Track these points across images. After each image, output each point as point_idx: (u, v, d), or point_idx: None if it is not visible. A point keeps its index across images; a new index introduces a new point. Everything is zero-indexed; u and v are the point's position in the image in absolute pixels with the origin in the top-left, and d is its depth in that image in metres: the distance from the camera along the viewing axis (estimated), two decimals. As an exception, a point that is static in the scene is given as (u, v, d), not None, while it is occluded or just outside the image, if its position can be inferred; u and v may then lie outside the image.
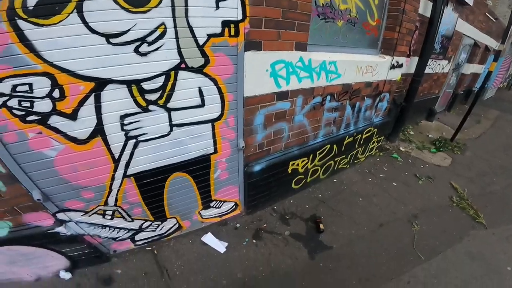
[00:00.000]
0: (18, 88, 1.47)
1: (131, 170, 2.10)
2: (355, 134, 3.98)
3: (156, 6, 1.62)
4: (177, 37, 1.77)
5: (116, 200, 2.20)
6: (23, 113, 1.54)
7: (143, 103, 1.87)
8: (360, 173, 4.54)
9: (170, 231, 2.80)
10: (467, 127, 6.86)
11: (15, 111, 1.51)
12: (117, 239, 2.50)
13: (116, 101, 1.76)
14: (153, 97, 1.88)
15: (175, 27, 1.73)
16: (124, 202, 2.26)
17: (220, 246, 2.84)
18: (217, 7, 1.83)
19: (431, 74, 6.41)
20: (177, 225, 2.80)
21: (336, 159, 4.00)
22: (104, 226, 2.31)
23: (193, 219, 2.88)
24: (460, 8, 5.71)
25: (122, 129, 1.88)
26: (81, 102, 1.65)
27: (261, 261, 2.74)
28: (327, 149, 3.63)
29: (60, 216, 2.02)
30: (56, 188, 1.87)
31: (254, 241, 2.96)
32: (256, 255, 2.80)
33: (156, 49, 1.74)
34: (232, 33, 1.97)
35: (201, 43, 1.87)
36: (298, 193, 3.78)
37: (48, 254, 2.21)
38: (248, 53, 2.13)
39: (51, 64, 1.49)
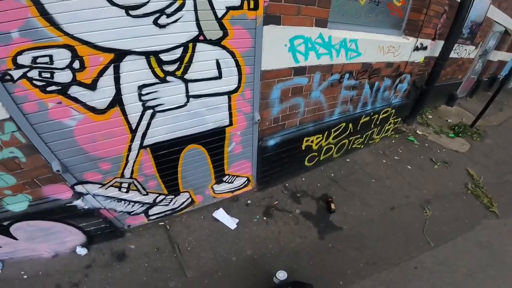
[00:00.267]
0: (38, 60, 1.47)
1: (148, 141, 2.12)
2: (372, 113, 3.89)
3: (175, -22, 1.57)
4: (195, 9, 1.73)
5: (132, 172, 2.24)
6: (44, 83, 1.55)
7: (161, 74, 1.86)
8: (374, 154, 4.48)
9: (183, 205, 2.86)
10: (489, 114, 6.61)
11: (35, 82, 1.53)
12: (131, 213, 2.57)
13: (135, 71, 1.75)
14: (171, 68, 1.87)
15: (194, -1, 1.69)
16: (140, 174, 2.30)
17: (231, 222, 2.89)
18: (237, -21, 1.76)
19: (456, 59, 6.19)
20: (189, 200, 2.85)
21: (350, 138, 3.96)
22: (119, 200, 2.38)
23: (206, 193, 2.93)
24: (493, -6, 5.38)
25: (140, 100, 1.89)
26: (101, 73, 1.65)
27: (271, 238, 2.79)
28: (342, 127, 3.58)
29: (78, 188, 2.08)
30: (75, 159, 1.91)
31: (264, 218, 3.01)
32: (266, 232, 2.85)
33: (175, 21, 1.70)
34: (251, 6, 1.91)
35: (219, 15, 1.83)
36: (311, 171, 3.78)
37: (65, 229, 2.28)
38: (267, 27, 2.08)
39: (71, 36, 1.48)
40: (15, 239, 2.16)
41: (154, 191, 2.52)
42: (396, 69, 3.72)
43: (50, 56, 1.49)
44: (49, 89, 1.57)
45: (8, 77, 1.45)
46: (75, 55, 1.54)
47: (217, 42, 1.93)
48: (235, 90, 2.27)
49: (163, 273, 2.40)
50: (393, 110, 4.32)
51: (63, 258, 2.44)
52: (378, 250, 2.79)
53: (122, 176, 2.22)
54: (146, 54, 1.73)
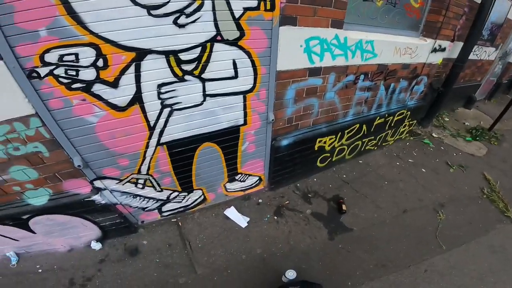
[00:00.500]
0: (65, 58, 1.53)
1: (164, 138, 2.18)
2: (386, 115, 3.85)
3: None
4: (214, 10, 1.76)
5: (149, 168, 2.30)
6: (69, 81, 1.61)
7: (180, 73, 1.91)
8: (388, 156, 4.43)
9: (195, 203, 2.91)
10: (508, 118, 6.39)
11: (61, 79, 1.59)
12: (145, 209, 2.64)
13: (155, 70, 1.80)
14: (189, 67, 1.92)
15: (212, -1, 1.73)
16: (156, 171, 2.36)
17: (242, 221, 2.92)
18: (254, -19, 1.79)
19: (475, 61, 6.00)
20: (202, 197, 2.90)
21: (364, 140, 3.93)
22: (135, 196, 2.45)
23: (218, 191, 2.98)
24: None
25: (159, 98, 1.94)
26: (123, 71, 1.71)
27: (281, 238, 2.80)
28: (356, 129, 3.56)
29: (97, 183, 2.15)
30: (95, 154, 1.98)
31: (275, 217, 3.02)
32: (277, 232, 2.87)
33: (194, 21, 1.74)
34: (268, 7, 1.93)
35: (237, 16, 1.86)
36: (322, 172, 3.77)
37: (82, 224, 2.34)
38: (283, 28, 2.10)
39: (96, 35, 1.53)
40: (34, 232, 2.22)
41: (169, 187, 2.58)
42: (413, 71, 3.66)
43: (76, 54, 1.54)
44: (74, 86, 1.64)
45: (35, 74, 1.51)
46: (99, 54, 1.59)
47: (234, 42, 1.96)
48: (250, 90, 2.30)
49: (173, 269, 2.45)
50: (409, 112, 4.25)
51: (78, 253, 2.51)
52: (388, 252, 2.77)
53: (139, 172, 2.29)
54: (166, 53, 1.78)
